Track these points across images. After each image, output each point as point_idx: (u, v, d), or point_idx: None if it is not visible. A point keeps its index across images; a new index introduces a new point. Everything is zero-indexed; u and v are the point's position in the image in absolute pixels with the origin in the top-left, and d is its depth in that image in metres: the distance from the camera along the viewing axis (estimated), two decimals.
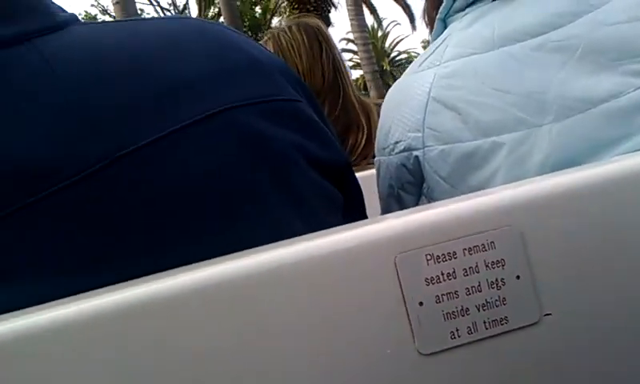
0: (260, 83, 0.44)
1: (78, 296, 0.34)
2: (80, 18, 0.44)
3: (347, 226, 0.38)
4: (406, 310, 0.36)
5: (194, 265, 0.36)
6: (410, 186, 0.59)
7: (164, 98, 0.39)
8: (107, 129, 0.38)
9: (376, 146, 0.66)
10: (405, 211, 0.40)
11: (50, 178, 0.36)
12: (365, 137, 1.26)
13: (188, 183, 0.39)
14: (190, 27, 0.45)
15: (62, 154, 0.36)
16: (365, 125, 1.28)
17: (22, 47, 0.38)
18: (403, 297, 0.36)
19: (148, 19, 0.45)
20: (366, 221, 0.41)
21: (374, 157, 0.69)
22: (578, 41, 0.51)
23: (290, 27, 1.34)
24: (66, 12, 0.43)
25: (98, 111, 0.38)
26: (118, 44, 0.42)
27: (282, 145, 0.42)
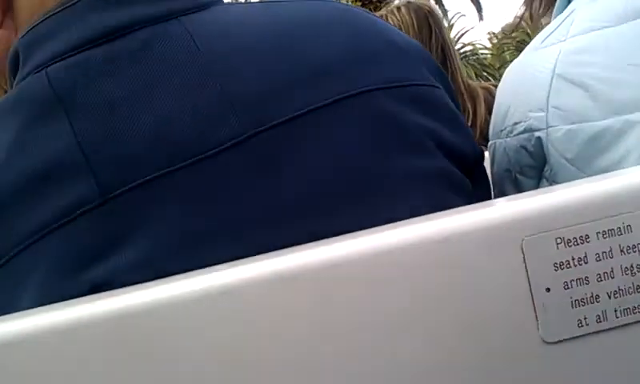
0: (397, 67, 0.43)
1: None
2: None
3: (473, 205, 0.36)
4: (532, 295, 0.34)
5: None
6: (529, 170, 0.56)
7: (302, 78, 0.39)
8: (246, 104, 0.38)
9: (491, 129, 0.63)
10: (532, 192, 0.38)
11: (189, 149, 0.36)
12: (470, 122, 1.22)
13: (321, 162, 0.38)
14: (330, 9, 0.44)
15: (202, 127, 0.37)
16: (470, 110, 1.24)
17: (168, 24, 0.39)
18: (529, 282, 0.34)
19: (288, 0, 0.45)
20: (492, 201, 0.38)
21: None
22: None
23: (399, 8, 1.30)
24: None
25: (238, 87, 0.38)
26: (258, 23, 0.41)
27: (416, 130, 0.41)
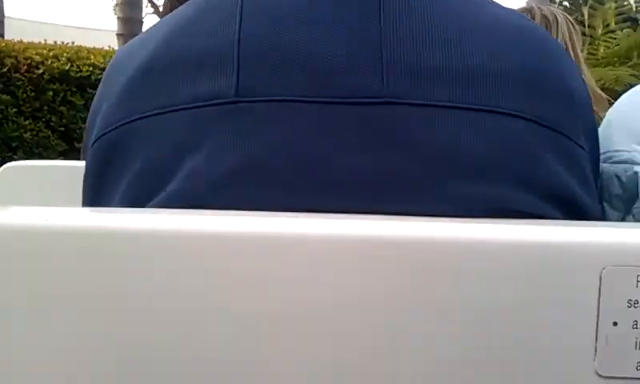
0: (559, 111, 0.41)
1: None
2: None
3: (564, 222, 0.34)
4: (597, 325, 0.33)
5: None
6: (618, 201, 0.54)
7: (465, 75, 0.39)
8: (400, 73, 0.38)
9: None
10: (623, 224, 0.36)
11: (330, 86, 0.38)
12: None
13: (444, 154, 0.38)
14: (533, 28, 0.45)
15: (351, 71, 0.38)
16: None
17: None
18: (598, 311, 0.33)
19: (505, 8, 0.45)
20: (581, 222, 0.37)
21: None
22: None
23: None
24: None
25: (402, 55, 0.38)
26: (447, 5, 0.41)
27: (551, 173, 0.40)
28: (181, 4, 0.45)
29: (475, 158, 0.38)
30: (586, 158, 0.43)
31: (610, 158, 0.56)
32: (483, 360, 0.33)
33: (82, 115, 4.33)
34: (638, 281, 0.33)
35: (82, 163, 0.45)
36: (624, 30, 4.89)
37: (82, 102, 4.48)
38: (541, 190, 0.39)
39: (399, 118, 0.38)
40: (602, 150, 0.57)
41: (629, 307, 0.33)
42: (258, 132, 0.38)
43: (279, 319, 0.33)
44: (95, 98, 0.46)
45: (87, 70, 4.60)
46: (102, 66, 4.59)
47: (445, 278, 0.33)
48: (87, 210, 0.42)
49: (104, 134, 0.42)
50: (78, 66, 4.58)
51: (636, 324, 0.33)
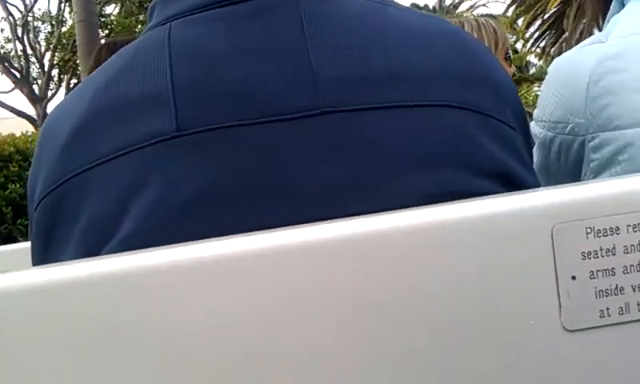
0: (486, 98, 0.43)
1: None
2: None
3: (509, 193, 0.36)
4: (557, 282, 0.34)
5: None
6: (564, 166, 0.57)
7: (391, 77, 0.40)
8: (332, 85, 0.39)
9: (536, 114, 0.62)
10: (567, 184, 0.37)
11: (266, 109, 0.39)
12: None
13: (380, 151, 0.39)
14: (443, 24, 0.47)
15: (284, 92, 0.39)
16: None
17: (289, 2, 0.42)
18: (556, 269, 0.34)
19: (395, 6, 0.47)
20: (527, 190, 0.38)
21: None
22: None
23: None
24: None
25: (328, 68, 0.40)
26: (363, 19, 0.43)
27: (489, 154, 0.41)
28: (110, 55, 0.46)
29: (421, 149, 0.39)
30: (520, 139, 0.45)
31: (553, 128, 0.58)
32: (455, 332, 0.34)
33: None
34: (587, 233, 0.34)
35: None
36: None
37: None
38: (485, 171, 0.40)
39: (341, 125, 0.39)
40: (542, 118, 0.59)
41: (583, 259, 0.34)
42: (204, 162, 0.38)
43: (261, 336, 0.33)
44: (32, 167, 0.45)
45: None
46: None
47: (412, 263, 0.34)
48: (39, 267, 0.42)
49: (46, 196, 0.42)
50: None
51: (593, 274, 0.35)
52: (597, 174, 0.54)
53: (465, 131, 0.41)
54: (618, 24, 0.54)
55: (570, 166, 0.57)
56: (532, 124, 0.62)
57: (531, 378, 0.35)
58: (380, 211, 0.36)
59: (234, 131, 0.38)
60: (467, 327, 0.34)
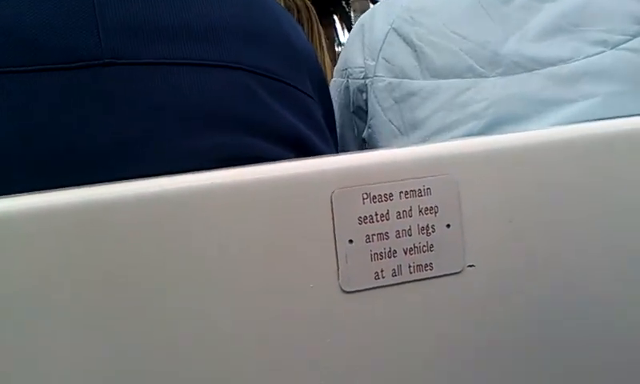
0: (281, 64, 0.43)
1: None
2: None
3: (291, 159, 0.36)
4: (335, 246, 0.36)
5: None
6: (361, 112, 0.59)
7: (179, 31, 0.39)
8: (112, 32, 0.37)
9: (337, 67, 0.65)
10: (347, 152, 0.39)
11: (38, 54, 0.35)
12: None
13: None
14: None
15: (61, 36, 0.36)
16: None
17: None
18: (334, 233, 0.36)
19: None
20: (308, 157, 0.39)
21: None
22: (543, 1, 0.50)
23: None
24: None
25: (113, 12, 0.37)
26: None
27: (283, 120, 0.41)
28: None
29: (204, 110, 0.38)
30: (317, 107, 0.46)
31: (350, 74, 0.60)
32: (241, 295, 0.34)
33: None
34: (363, 199, 0.36)
35: None
36: None
37: None
38: (272, 135, 0.41)
39: (122, 79, 0.37)
40: (343, 67, 0.62)
41: (360, 224, 0.36)
42: None
43: None
44: None
45: None
46: None
47: (194, 229, 0.33)
48: None
49: None
50: None
51: (368, 238, 0.36)
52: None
53: (250, 93, 0.40)
54: None
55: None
56: (333, 81, 0.65)
57: (309, 339, 0.36)
58: (168, 173, 0.35)
59: (3, 79, 0.34)
60: (252, 289, 0.34)
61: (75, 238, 0.31)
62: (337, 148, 0.50)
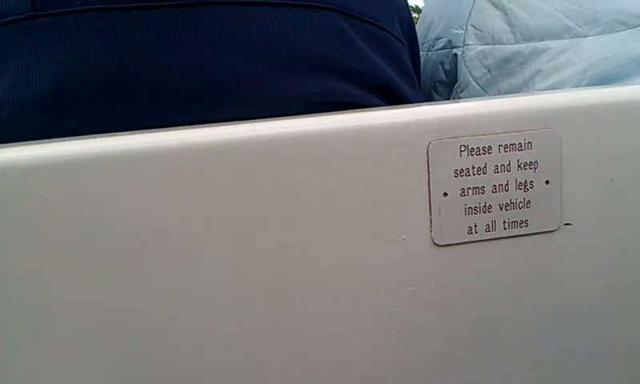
0: (372, 3, 0.41)
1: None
2: None
3: (386, 107, 0.35)
4: (429, 198, 0.35)
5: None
6: (442, 87, 0.56)
7: None
8: None
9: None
10: (444, 101, 0.38)
11: None
12: None
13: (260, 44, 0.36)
14: None
15: None
16: None
17: None
18: (429, 184, 0.35)
19: None
20: (405, 105, 0.38)
21: None
22: None
23: None
24: None
25: None
26: None
27: (374, 65, 0.40)
28: None
29: (299, 53, 0.37)
30: (406, 52, 0.44)
31: (432, 46, 0.58)
32: (332, 240, 0.34)
33: None
34: (460, 151, 0.35)
35: None
36: None
37: None
38: (362, 80, 0.39)
39: (221, 17, 0.36)
40: (422, 41, 0.59)
41: (456, 177, 0.35)
42: (60, 50, 0.34)
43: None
44: None
45: None
46: None
47: (292, 174, 0.33)
48: None
49: None
50: None
51: (463, 191, 0.35)
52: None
53: (346, 37, 0.39)
54: None
55: None
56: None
57: (401, 291, 0.35)
58: (258, 117, 0.35)
59: (100, 17, 0.35)
60: (343, 236, 0.34)
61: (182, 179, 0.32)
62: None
